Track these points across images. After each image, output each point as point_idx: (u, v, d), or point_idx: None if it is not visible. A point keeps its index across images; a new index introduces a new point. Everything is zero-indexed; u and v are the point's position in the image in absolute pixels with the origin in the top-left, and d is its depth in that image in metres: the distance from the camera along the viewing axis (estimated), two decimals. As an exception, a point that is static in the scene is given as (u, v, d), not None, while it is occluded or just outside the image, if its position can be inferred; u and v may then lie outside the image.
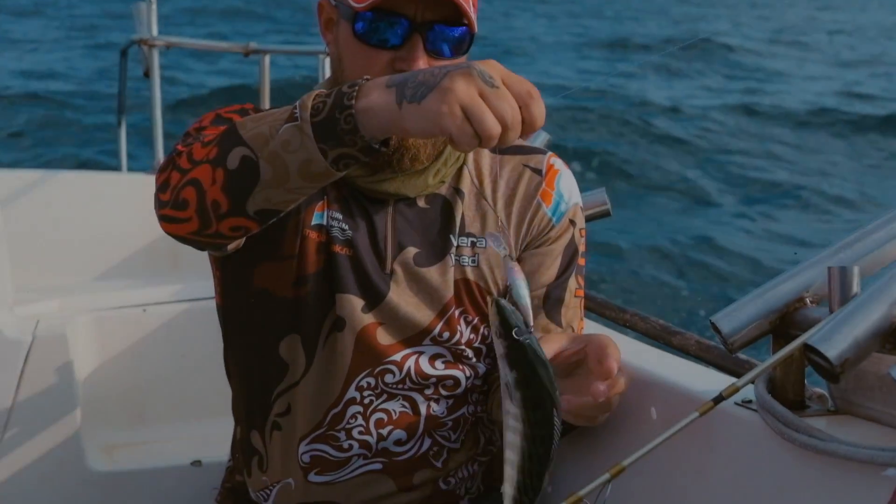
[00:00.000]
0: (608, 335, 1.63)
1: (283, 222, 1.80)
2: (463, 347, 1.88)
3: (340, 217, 1.84)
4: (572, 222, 1.93)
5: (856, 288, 1.44)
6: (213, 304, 2.03)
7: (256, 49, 4.21)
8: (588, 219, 2.44)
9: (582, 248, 1.96)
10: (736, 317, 1.54)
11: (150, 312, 3.22)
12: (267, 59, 4.22)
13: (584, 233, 1.97)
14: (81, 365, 3.03)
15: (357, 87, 1.46)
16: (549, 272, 1.91)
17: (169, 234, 1.66)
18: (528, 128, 1.41)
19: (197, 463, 2.93)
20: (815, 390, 1.63)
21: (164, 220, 1.64)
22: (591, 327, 2.18)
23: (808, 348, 1.37)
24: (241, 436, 2.01)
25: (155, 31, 4.24)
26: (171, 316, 3.23)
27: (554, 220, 1.91)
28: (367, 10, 1.70)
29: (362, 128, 1.45)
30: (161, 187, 1.63)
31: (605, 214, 2.46)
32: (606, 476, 1.34)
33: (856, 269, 1.45)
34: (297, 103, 1.50)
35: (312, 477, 1.90)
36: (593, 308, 2.35)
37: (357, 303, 1.82)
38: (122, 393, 3.16)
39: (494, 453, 2.02)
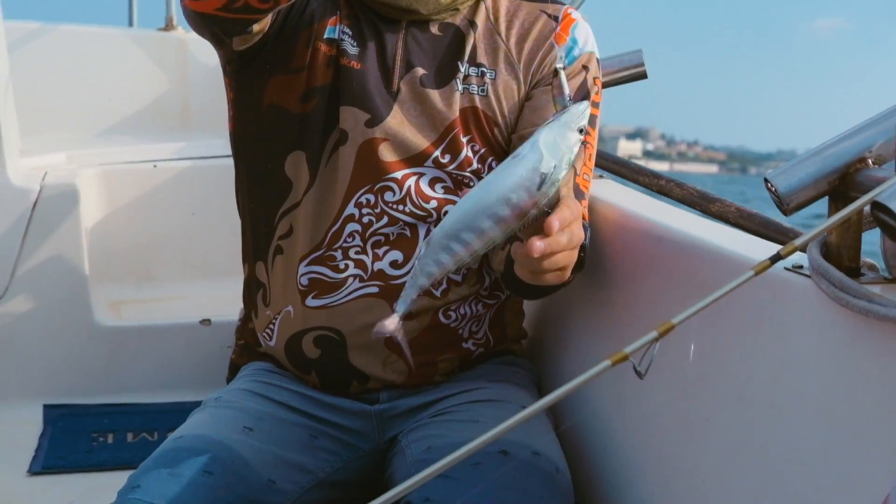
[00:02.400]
0: (575, 206, 1.55)
1: (296, 34, 1.86)
2: (466, 174, 1.89)
3: (351, 33, 1.88)
4: (585, 68, 1.93)
5: (927, 147, 1.34)
6: (222, 162, 2.09)
7: None
8: (623, 80, 2.35)
9: (595, 98, 1.93)
10: (793, 175, 1.44)
11: (161, 168, 3.15)
12: None
13: (598, 82, 1.96)
14: (89, 218, 2.98)
15: None
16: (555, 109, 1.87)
17: (193, 13, 1.71)
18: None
19: (206, 322, 2.88)
20: (865, 260, 1.54)
21: None
22: (626, 191, 2.08)
23: (876, 207, 1.27)
24: (248, 274, 2.03)
25: None
26: (182, 172, 3.17)
27: (566, 61, 1.91)
28: None
29: None
30: None
31: (641, 76, 2.36)
32: (654, 334, 1.25)
33: (926, 128, 1.35)
34: None
35: (310, 301, 1.90)
36: (626, 174, 2.26)
37: (361, 116, 1.85)
38: (130, 249, 3.12)
39: (504, 301, 1.99)
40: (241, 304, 2.12)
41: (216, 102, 2.03)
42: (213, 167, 3.12)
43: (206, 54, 3.69)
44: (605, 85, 2.06)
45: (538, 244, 1.45)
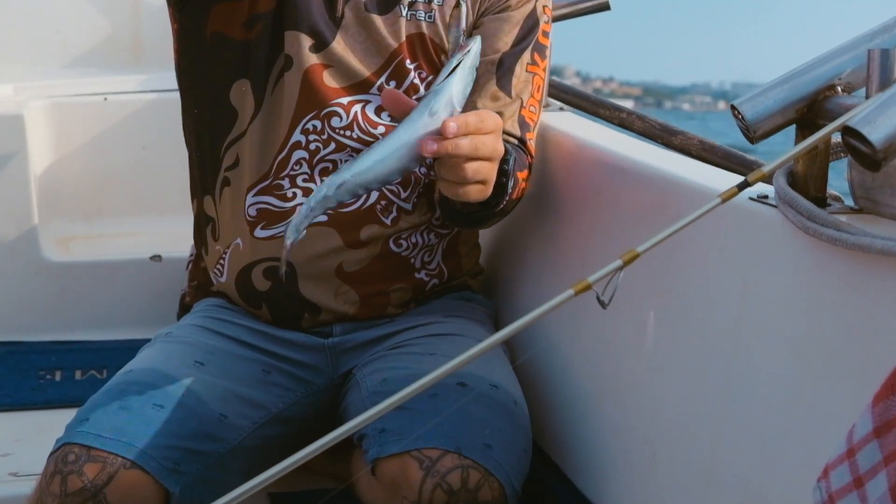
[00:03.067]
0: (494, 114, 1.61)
1: None
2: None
3: None
4: None
5: (899, 73, 1.31)
6: (174, 96, 2.01)
7: None
8: (586, 11, 2.30)
9: (544, 27, 1.92)
10: (761, 102, 1.40)
11: (111, 101, 3.08)
12: None
13: (549, 11, 1.94)
14: (37, 152, 2.91)
15: None
16: (506, 38, 1.89)
17: None
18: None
19: (157, 258, 2.83)
20: (831, 192, 1.51)
21: None
22: (586, 123, 2.05)
23: (847, 132, 1.23)
24: (196, 210, 1.99)
25: None
26: (133, 106, 3.10)
27: None
28: None
29: None
30: None
31: (604, 7, 2.31)
32: (618, 263, 1.22)
33: (897, 53, 1.31)
34: None
35: (258, 232, 1.87)
36: (586, 107, 2.22)
37: (305, 41, 1.82)
38: (79, 184, 3.06)
39: (457, 233, 1.98)
40: (191, 241, 2.08)
41: (168, 36, 1.97)
42: (164, 100, 3.04)
43: (157, -13, 3.61)
44: (567, 17, 2.01)
45: (429, 144, 1.49)
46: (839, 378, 1.27)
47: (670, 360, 1.61)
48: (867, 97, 1.32)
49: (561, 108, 2.28)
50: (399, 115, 1.54)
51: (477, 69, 1.54)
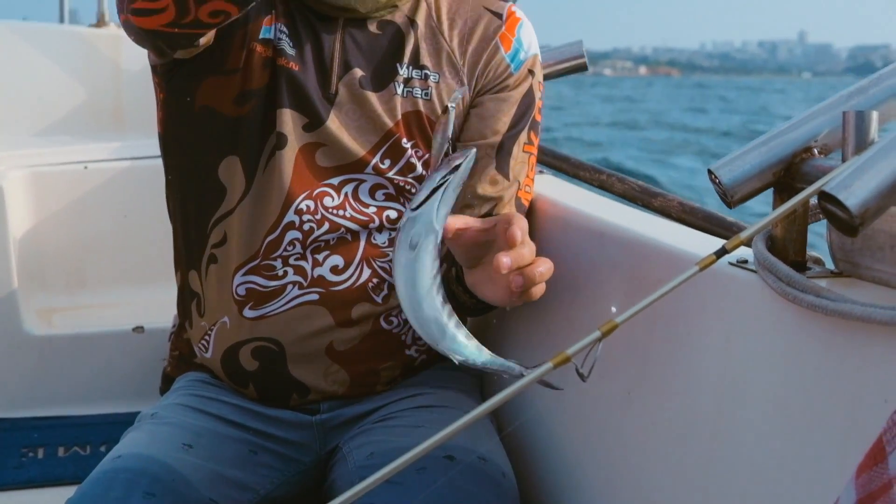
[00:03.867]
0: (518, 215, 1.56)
1: (231, 34, 1.77)
2: (408, 180, 1.85)
3: (288, 32, 1.81)
4: (531, 72, 1.90)
5: (874, 134, 1.30)
6: (156, 163, 1.99)
7: None
8: (564, 72, 2.31)
9: (539, 103, 1.91)
10: (737, 166, 1.40)
11: (92, 169, 3.08)
12: None
13: (542, 87, 1.93)
14: (18, 223, 2.90)
15: None
16: (504, 119, 1.88)
17: (138, 29, 1.64)
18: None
19: (139, 329, 2.81)
20: (811, 254, 1.51)
21: (134, 13, 1.60)
22: (566, 186, 2.04)
23: (823, 197, 1.23)
24: (181, 282, 1.96)
25: None
26: (114, 174, 3.10)
27: (512, 67, 1.88)
28: None
29: None
30: None
31: (582, 68, 2.32)
32: (597, 334, 1.21)
33: (874, 114, 1.31)
34: None
35: (247, 311, 1.84)
36: (566, 170, 2.23)
37: (299, 119, 1.80)
38: (61, 254, 3.05)
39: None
40: (175, 311, 2.06)
41: (150, 101, 1.96)
42: (146, 168, 3.05)
43: (139, 52, 3.61)
44: (546, 77, 2.01)
45: (505, 260, 1.47)
46: (823, 445, 1.25)
47: (655, 427, 1.60)
48: (843, 160, 1.32)
49: (541, 171, 2.28)
50: None
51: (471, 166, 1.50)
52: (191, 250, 1.91)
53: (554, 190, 1.99)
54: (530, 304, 1.93)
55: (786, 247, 1.42)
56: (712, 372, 1.47)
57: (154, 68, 1.89)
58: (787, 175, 1.41)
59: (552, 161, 2.33)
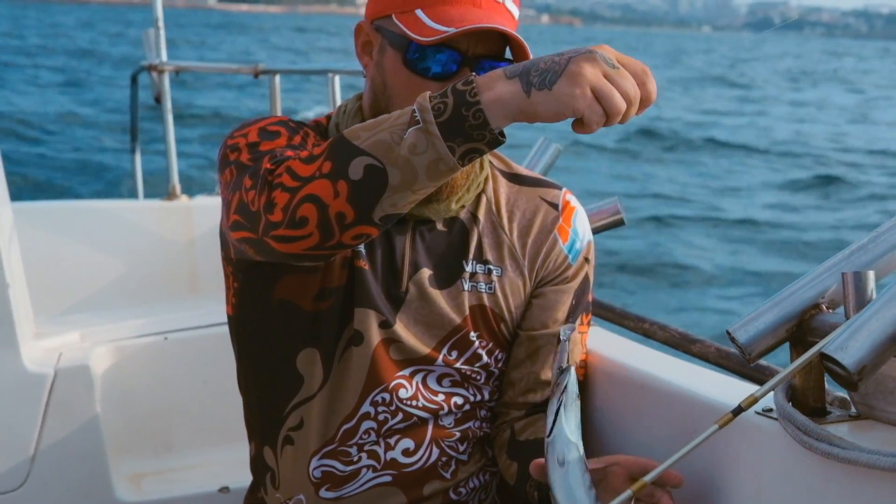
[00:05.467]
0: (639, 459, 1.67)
1: None
2: (474, 369, 1.94)
3: None
4: (587, 260, 2.01)
5: (871, 293, 1.44)
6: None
7: (266, 70, 4.23)
8: (602, 228, 2.45)
9: (590, 284, 2.03)
10: (753, 326, 1.55)
11: (171, 339, 3.24)
12: (277, 79, 4.23)
13: (592, 266, 2.04)
14: (105, 395, 3.05)
15: (473, 84, 1.52)
16: (564, 308, 1.99)
17: (282, 254, 1.67)
18: (645, 102, 1.53)
19: (225, 489, 2.96)
20: (837, 395, 1.63)
21: (278, 240, 1.64)
22: (611, 338, 2.18)
23: (824, 357, 1.37)
24: (254, 452, 2.05)
25: (164, 57, 4.28)
26: (192, 342, 3.25)
27: (570, 258, 1.99)
28: (429, 46, 1.76)
29: (491, 120, 1.51)
30: (266, 208, 1.64)
31: (619, 223, 2.47)
32: (629, 493, 1.35)
33: (870, 274, 1.45)
34: (415, 107, 1.55)
35: (324, 492, 1.93)
36: (612, 318, 2.36)
37: (374, 318, 1.88)
38: (146, 421, 3.18)
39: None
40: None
41: (220, 268, 2.09)
42: (221, 334, 3.17)
43: (209, 220, 3.82)
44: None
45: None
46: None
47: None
48: (847, 317, 1.46)
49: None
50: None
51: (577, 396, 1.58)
52: (264, 428, 2.01)
53: (601, 344, 2.11)
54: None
55: (805, 395, 1.56)
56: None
57: (228, 259, 1.98)
58: (800, 331, 1.55)
59: (598, 311, 2.46)
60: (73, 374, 2.93)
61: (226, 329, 2.08)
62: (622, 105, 1.48)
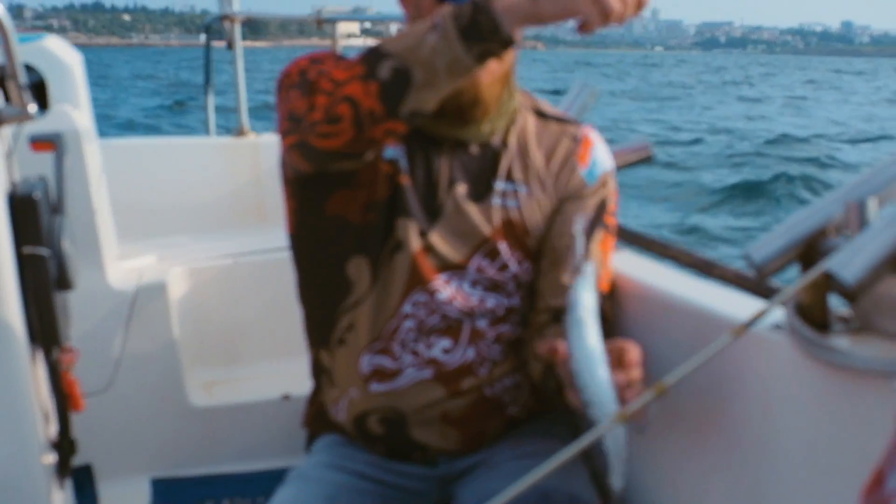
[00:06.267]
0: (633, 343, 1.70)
1: None
2: (504, 276, 2.04)
3: (406, 153, 2.00)
4: (605, 184, 2.09)
5: (872, 218, 1.49)
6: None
7: (327, 18, 4.28)
8: (631, 163, 2.49)
9: (612, 207, 2.10)
10: (766, 248, 1.60)
11: (239, 262, 3.32)
12: (338, 26, 4.28)
13: (615, 194, 2.12)
14: (180, 311, 3.15)
15: None
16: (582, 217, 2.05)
17: (320, 151, 1.80)
18: (641, 3, 1.65)
19: (286, 397, 3.05)
20: (840, 313, 1.67)
21: (318, 136, 1.78)
22: (640, 263, 2.23)
23: (828, 275, 1.42)
24: (314, 357, 2.18)
25: (237, 7, 4.34)
26: (258, 265, 3.34)
27: (588, 180, 2.07)
28: None
29: (502, 25, 1.64)
30: (310, 110, 1.79)
31: (648, 159, 2.50)
32: (651, 393, 1.40)
33: (871, 202, 1.49)
34: (436, 19, 1.69)
35: (373, 386, 2.05)
36: (641, 243, 2.39)
37: (413, 228, 1.98)
38: (216, 335, 3.29)
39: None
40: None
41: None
42: (284, 259, 3.26)
43: (275, 155, 3.88)
44: (617, 168, 2.19)
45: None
46: (852, 490, 1.43)
47: (705, 477, 1.80)
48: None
49: (619, 249, 2.45)
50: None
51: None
52: (321, 332, 2.12)
53: (629, 266, 2.16)
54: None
55: (811, 311, 1.60)
56: (755, 424, 1.68)
57: (286, 178, 2.08)
58: (808, 252, 1.60)
59: (629, 237, 2.50)
60: (151, 292, 3.03)
61: (287, 255, 2.16)
62: (618, 5, 1.60)
